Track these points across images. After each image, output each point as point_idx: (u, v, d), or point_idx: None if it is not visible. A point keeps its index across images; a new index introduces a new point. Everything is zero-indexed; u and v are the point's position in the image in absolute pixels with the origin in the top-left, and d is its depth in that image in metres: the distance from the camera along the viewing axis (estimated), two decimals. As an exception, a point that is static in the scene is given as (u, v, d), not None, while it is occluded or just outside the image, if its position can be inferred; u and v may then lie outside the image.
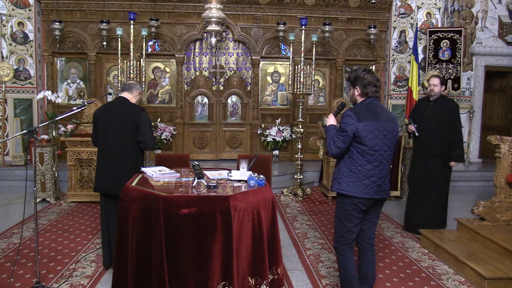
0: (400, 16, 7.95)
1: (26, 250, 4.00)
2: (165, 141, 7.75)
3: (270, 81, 8.36)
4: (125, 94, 3.59)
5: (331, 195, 6.18)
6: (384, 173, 2.80)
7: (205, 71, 8.19)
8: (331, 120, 2.97)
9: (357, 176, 2.74)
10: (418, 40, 7.66)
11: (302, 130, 6.64)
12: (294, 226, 4.92)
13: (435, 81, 4.51)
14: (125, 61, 7.04)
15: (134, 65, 7.02)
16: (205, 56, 8.19)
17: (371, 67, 8.45)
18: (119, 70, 7.17)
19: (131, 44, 7.03)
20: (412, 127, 4.61)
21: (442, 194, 4.65)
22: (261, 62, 8.19)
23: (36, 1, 7.50)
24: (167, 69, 8.16)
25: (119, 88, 6.74)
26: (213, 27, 5.51)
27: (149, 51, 7.87)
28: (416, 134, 4.58)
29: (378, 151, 2.73)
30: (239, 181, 3.03)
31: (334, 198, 6.17)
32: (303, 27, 6.72)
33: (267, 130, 7.94)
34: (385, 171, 2.81)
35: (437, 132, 4.47)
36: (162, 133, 7.68)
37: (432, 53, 7.68)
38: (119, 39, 7.04)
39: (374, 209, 2.89)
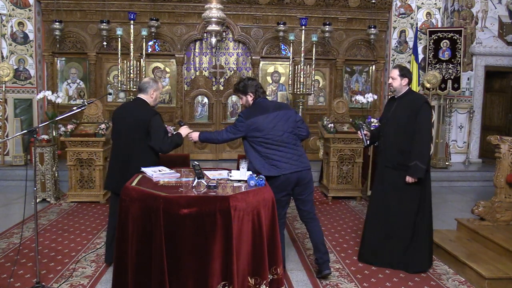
0: (400, 16, 7.95)
1: (26, 250, 4.00)
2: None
3: (270, 81, 8.36)
4: (141, 96, 3.55)
5: (331, 195, 6.18)
6: (290, 152, 3.29)
7: (205, 71, 8.19)
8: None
9: (267, 161, 3.25)
10: (418, 40, 7.66)
11: (302, 130, 6.63)
12: (294, 226, 4.93)
13: (393, 73, 3.59)
14: (125, 61, 7.05)
15: (134, 65, 7.03)
16: (205, 56, 8.19)
17: (371, 67, 8.46)
18: (119, 70, 7.18)
19: (131, 44, 7.04)
20: (360, 134, 3.73)
21: (418, 226, 3.57)
22: (261, 62, 8.20)
23: (36, 1, 7.50)
24: (167, 69, 8.17)
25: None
26: (213, 27, 5.51)
27: (149, 51, 7.87)
28: (365, 143, 3.73)
29: (272, 138, 3.25)
30: (239, 181, 3.03)
31: (334, 198, 6.20)
32: (303, 27, 6.73)
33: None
34: (290, 150, 3.29)
35: (394, 138, 3.54)
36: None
37: (432, 53, 7.69)
38: (119, 39, 7.05)
39: (300, 189, 3.39)
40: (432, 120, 8.02)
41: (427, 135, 3.50)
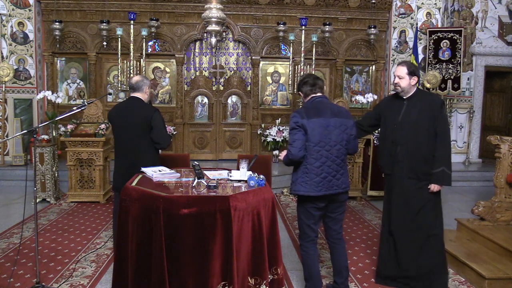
0: (400, 16, 7.95)
1: (26, 250, 4.00)
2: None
3: (270, 81, 8.36)
4: (137, 94, 3.60)
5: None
6: (334, 168, 2.91)
7: (205, 71, 8.19)
8: (283, 154, 3.03)
9: (308, 175, 2.88)
10: (418, 40, 7.66)
11: (302, 130, 6.63)
12: (294, 226, 4.92)
13: (400, 70, 3.14)
14: (125, 61, 7.05)
15: (134, 65, 7.03)
16: (205, 56, 8.19)
17: (371, 67, 8.46)
18: (119, 70, 7.18)
19: (131, 44, 7.04)
20: None
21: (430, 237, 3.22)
22: (261, 62, 8.19)
23: (36, 1, 7.50)
24: (167, 69, 8.17)
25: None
26: (213, 27, 5.51)
27: (149, 51, 7.87)
28: None
29: (324, 147, 2.86)
30: (239, 181, 3.03)
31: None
32: (303, 27, 6.73)
33: (267, 130, 7.94)
34: (335, 166, 2.91)
35: (416, 145, 3.13)
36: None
37: (432, 53, 7.69)
38: (119, 39, 7.05)
39: (335, 206, 3.03)
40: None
41: (449, 138, 3.18)
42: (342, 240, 3.14)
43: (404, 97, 3.20)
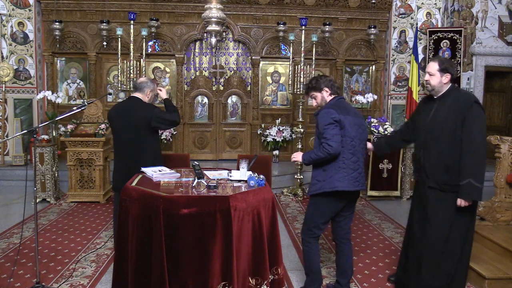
0: (400, 16, 7.95)
1: (26, 250, 4.00)
2: (165, 141, 7.76)
3: (270, 81, 8.36)
4: (137, 94, 3.60)
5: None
6: (362, 164, 2.99)
7: (205, 71, 8.19)
8: (299, 155, 3.05)
9: (346, 170, 2.86)
10: (418, 40, 7.66)
11: (302, 130, 6.64)
12: (294, 226, 4.92)
13: (431, 67, 2.87)
14: (125, 61, 7.04)
15: (134, 65, 7.03)
16: (205, 56, 8.19)
17: (371, 67, 8.46)
18: (119, 70, 7.17)
19: (131, 44, 7.03)
20: (369, 145, 3.26)
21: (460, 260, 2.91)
22: (261, 62, 8.19)
23: (36, 1, 7.50)
24: (167, 69, 8.17)
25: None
26: (213, 27, 5.51)
27: (149, 51, 7.87)
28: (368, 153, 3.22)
29: (357, 143, 2.92)
30: (239, 181, 3.02)
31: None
32: (303, 27, 6.72)
33: (267, 130, 7.94)
34: (363, 161, 3.00)
35: (438, 150, 2.82)
36: (162, 133, 7.69)
37: (432, 53, 7.68)
38: (119, 39, 7.04)
39: (350, 205, 3.08)
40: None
41: (480, 145, 2.69)
42: (350, 240, 3.15)
43: (435, 97, 2.92)
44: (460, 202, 2.71)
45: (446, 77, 2.82)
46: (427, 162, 2.87)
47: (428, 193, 2.88)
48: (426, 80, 2.90)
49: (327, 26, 7.55)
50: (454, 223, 2.80)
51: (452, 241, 2.83)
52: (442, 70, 2.82)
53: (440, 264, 2.85)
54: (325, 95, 3.05)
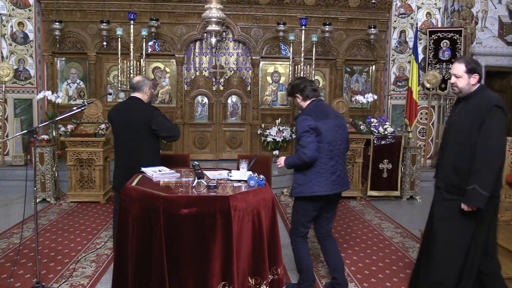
0: (400, 16, 7.95)
1: (26, 250, 4.00)
2: (165, 141, 7.76)
3: (270, 81, 8.36)
4: (137, 94, 3.61)
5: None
6: (343, 166, 3.09)
7: (205, 71, 8.19)
8: (282, 159, 3.11)
9: (323, 175, 2.96)
10: (418, 40, 7.66)
11: (302, 130, 6.63)
12: (294, 226, 4.92)
13: (457, 68, 2.70)
14: (125, 61, 7.05)
15: (134, 65, 7.03)
16: (205, 56, 8.19)
17: (371, 67, 8.46)
18: (119, 70, 7.18)
19: (131, 44, 7.04)
20: None
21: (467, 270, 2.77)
22: (261, 62, 8.19)
23: (36, 1, 7.50)
24: (167, 69, 8.16)
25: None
26: (213, 27, 5.51)
27: (149, 51, 7.87)
28: None
29: (335, 146, 3.00)
30: (239, 181, 3.03)
31: (334, 198, 6.20)
32: (303, 27, 6.73)
33: (267, 130, 7.94)
34: (343, 163, 3.10)
35: (450, 152, 2.76)
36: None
37: (432, 53, 7.69)
38: (119, 39, 7.05)
39: (331, 206, 3.17)
40: (432, 121, 8.03)
41: (494, 151, 2.55)
42: (332, 236, 3.27)
43: (461, 98, 2.79)
44: (463, 206, 2.64)
45: (474, 78, 2.68)
46: (440, 162, 2.85)
47: (435, 192, 2.87)
48: (453, 83, 2.74)
49: (327, 26, 7.55)
50: (456, 228, 2.71)
51: (452, 245, 2.72)
52: (470, 71, 2.68)
53: (439, 268, 2.78)
54: (298, 101, 3.13)
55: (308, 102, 3.09)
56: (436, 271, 2.78)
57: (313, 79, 7.49)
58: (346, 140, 3.16)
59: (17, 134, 4.26)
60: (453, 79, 2.74)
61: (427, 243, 2.91)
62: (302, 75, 7.19)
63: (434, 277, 2.78)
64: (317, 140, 2.90)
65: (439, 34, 7.66)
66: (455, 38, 7.59)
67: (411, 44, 7.86)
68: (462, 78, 2.69)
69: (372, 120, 6.36)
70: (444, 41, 7.63)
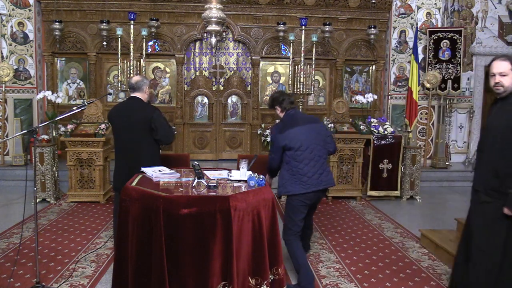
0: (400, 16, 7.95)
1: (26, 250, 4.00)
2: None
3: (270, 81, 8.36)
4: (137, 94, 3.61)
5: (331, 195, 6.18)
6: (318, 167, 3.31)
7: (205, 71, 8.19)
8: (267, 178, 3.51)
9: (296, 176, 3.27)
10: (418, 40, 7.66)
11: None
12: (294, 226, 4.92)
13: (502, 66, 2.56)
14: (125, 61, 7.05)
15: (134, 65, 7.03)
16: (205, 56, 8.19)
17: (371, 67, 8.46)
18: (119, 70, 7.18)
19: (131, 44, 7.04)
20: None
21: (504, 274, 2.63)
22: (261, 62, 8.19)
23: (36, 1, 7.50)
24: (167, 69, 8.16)
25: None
26: (213, 27, 5.51)
27: (149, 51, 7.87)
28: None
29: (305, 150, 3.26)
30: (239, 181, 3.03)
31: (334, 198, 6.20)
32: (303, 27, 6.72)
33: (267, 130, 7.94)
34: (319, 165, 3.33)
35: (489, 154, 2.64)
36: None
37: (432, 53, 7.69)
38: (119, 39, 7.05)
39: (317, 202, 3.52)
40: (432, 121, 8.03)
41: None
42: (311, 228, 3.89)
43: (498, 97, 2.67)
44: (506, 210, 2.51)
45: None
46: (478, 164, 2.73)
47: (472, 195, 2.77)
48: (497, 82, 2.57)
49: (327, 26, 7.55)
50: (491, 230, 2.61)
51: (487, 248, 2.64)
52: None
53: (475, 269, 2.71)
54: (278, 112, 3.54)
55: (284, 113, 3.48)
56: (474, 272, 2.71)
57: (313, 78, 7.49)
58: (326, 141, 3.43)
59: (17, 134, 4.26)
60: (497, 78, 2.57)
61: (465, 245, 2.82)
62: (302, 74, 7.19)
63: (473, 277, 2.71)
64: (287, 148, 3.27)
65: (439, 34, 7.66)
66: (455, 38, 7.59)
67: (411, 44, 7.86)
68: (508, 76, 2.54)
69: (372, 120, 6.36)
70: (444, 41, 7.63)
